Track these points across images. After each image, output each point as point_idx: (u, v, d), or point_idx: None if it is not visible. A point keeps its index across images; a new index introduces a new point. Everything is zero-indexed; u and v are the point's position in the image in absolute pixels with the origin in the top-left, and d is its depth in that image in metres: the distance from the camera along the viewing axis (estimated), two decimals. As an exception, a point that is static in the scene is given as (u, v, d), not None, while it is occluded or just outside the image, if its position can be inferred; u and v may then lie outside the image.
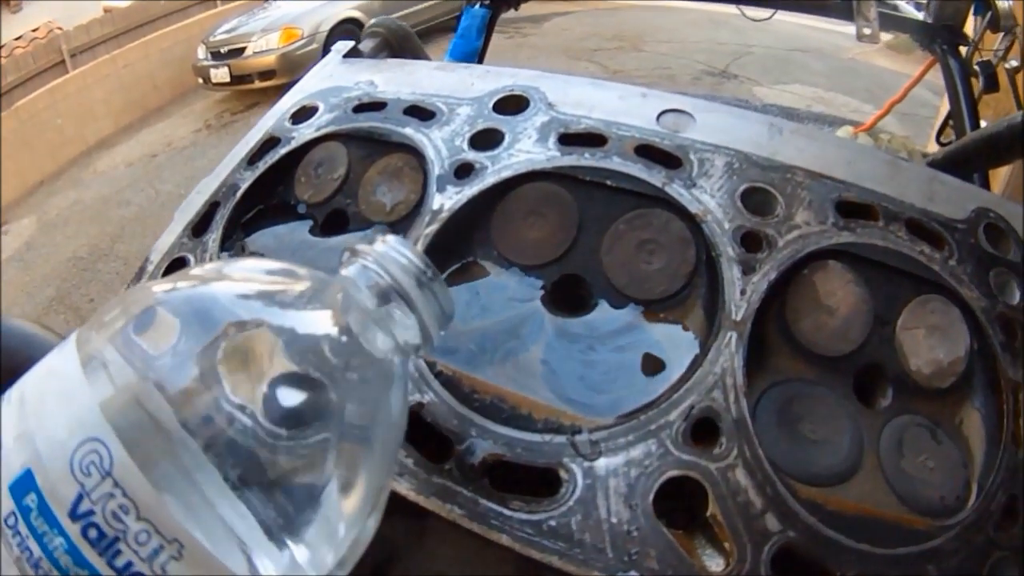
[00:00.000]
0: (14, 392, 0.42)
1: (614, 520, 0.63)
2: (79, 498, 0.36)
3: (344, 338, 0.48)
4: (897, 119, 5.18)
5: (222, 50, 7.93)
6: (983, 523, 0.64)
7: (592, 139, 0.86)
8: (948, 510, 0.66)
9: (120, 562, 0.35)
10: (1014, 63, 1.76)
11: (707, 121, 0.87)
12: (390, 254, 0.50)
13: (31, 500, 0.36)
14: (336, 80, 1.09)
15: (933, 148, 2.67)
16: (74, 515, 0.35)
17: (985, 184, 1.72)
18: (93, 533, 0.35)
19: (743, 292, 0.72)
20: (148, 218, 5.54)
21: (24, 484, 0.36)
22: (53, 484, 0.36)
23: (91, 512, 0.35)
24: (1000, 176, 3.10)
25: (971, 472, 0.68)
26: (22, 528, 0.36)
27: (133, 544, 0.35)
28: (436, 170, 0.87)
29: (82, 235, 5.76)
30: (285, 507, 0.42)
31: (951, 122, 1.92)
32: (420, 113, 0.96)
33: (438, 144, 0.90)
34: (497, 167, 0.85)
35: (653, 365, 0.75)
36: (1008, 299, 0.75)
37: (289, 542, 0.42)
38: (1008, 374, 0.71)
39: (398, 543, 0.80)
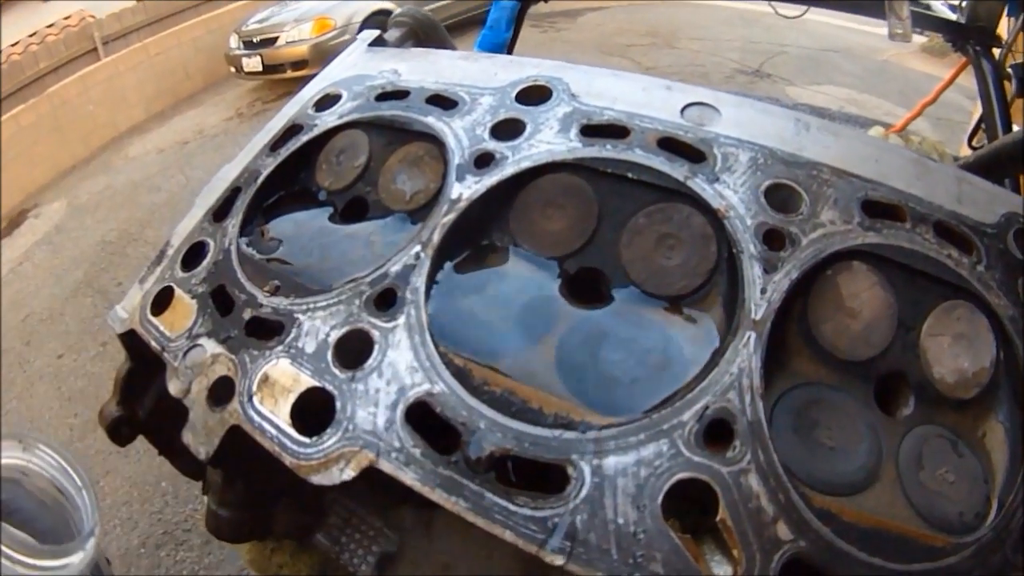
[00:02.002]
0: None
1: (620, 521, 0.62)
2: None
3: None
4: (930, 123, 5.09)
5: (255, 39, 7.95)
6: (1001, 542, 0.63)
7: (614, 131, 0.85)
8: (966, 527, 0.64)
9: None
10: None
11: (732, 115, 0.86)
12: None
13: None
14: (360, 69, 1.09)
15: (965, 153, 2.63)
16: None
17: (1016, 190, 1.69)
18: None
19: (764, 291, 0.71)
20: (178, 204, 5.54)
21: None
22: None
23: None
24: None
25: (991, 488, 0.67)
26: None
27: None
28: (456, 159, 0.87)
29: (112, 219, 5.80)
30: None
31: (983, 126, 1.89)
32: (442, 102, 0.96)
33: (459, 133, 0.90)
34: (517, 157, 0.85)
35: (669, 362, 0.73)
36: None
37: None
38: None
39: (405, 533, 0.80)
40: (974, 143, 2.10)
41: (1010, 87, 1.78)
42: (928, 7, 2.03)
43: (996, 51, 1.85)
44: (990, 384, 0.71)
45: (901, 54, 7.02)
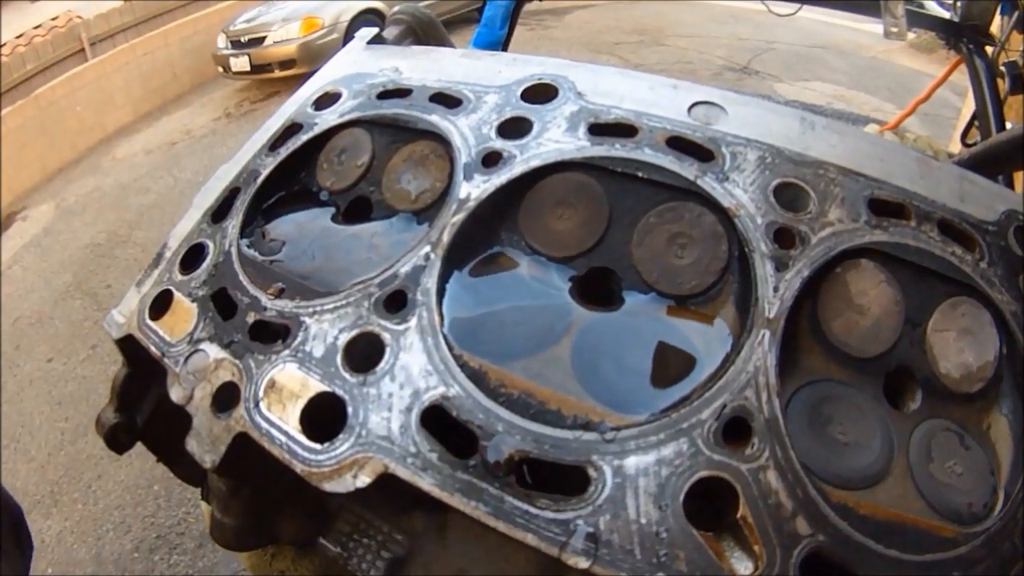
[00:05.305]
0: None
1: (643, 521, 0.62)
2: None
3: None
4: (919, 119, 5.12)
5: (242, 39, 7.92)
6: (1009, 531, 0.64)
7: (623, 129, 0.85)
8: (975, 517, 0.66)
9: None
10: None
11: (738, 114, 0.85)
12: None
13: None
14: (360, 66, 1.08)
15: (956, 149, 2.64)
16: None
17: (1009, 186, 1.70)
18: None
19: (776, 289, 0.71)
20: (166, 205, 5.52)
21: None
22: None
23: None
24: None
25: (998, 479, 0.68)
26: None
27: None
28: (463, 158, 0.86)
29: (100, 222, 5.76)
30: None
31: (976, 122, 1.90)
32: (446, 100, 0.95)
33: (465, 132, 0.89)
34: (526, 156, 0.84)
35: (684, 361, 0.73)
36: None
37: None
38: None
39: (417, 537, 0.79)
40: (967, 139, 2.11)
41: (1003, 85, 1.79)
42: (921, 5, 2.04)
43: (989, 49, 1.86)
44: (994, 378, 0.72)
45: (889, 50, 7.07)
